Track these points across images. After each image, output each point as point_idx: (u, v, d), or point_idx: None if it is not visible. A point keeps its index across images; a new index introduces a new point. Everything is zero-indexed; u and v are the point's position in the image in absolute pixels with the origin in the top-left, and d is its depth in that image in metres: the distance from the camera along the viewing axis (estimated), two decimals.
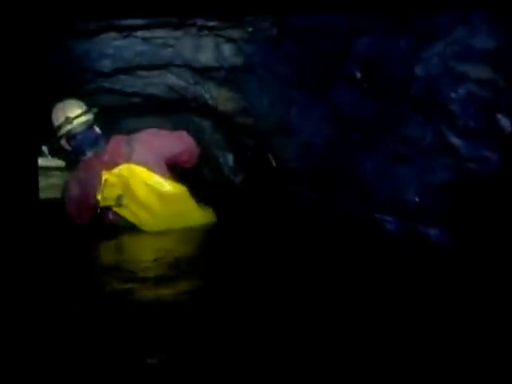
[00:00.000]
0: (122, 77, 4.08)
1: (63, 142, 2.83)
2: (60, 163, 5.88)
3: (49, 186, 4.84)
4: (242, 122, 3.82)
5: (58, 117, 2.72)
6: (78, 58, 3.53)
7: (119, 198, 2.50)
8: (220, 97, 3.86)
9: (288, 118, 3.18)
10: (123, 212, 2.59)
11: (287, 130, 3.20)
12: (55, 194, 4.52)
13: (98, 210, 2.67)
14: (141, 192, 2.55)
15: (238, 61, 3.37)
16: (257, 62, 3.22)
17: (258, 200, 3.59)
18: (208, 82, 3.86)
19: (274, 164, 3.42)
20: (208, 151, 4.41)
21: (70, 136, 2.71)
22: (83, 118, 2.66)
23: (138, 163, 2.57)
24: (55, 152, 5.83)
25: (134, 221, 2.60)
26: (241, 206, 3.50)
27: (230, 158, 4.54)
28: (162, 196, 2.55)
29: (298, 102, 3.07)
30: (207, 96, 3.94)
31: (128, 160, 2.57)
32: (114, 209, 2.63)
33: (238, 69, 3.42)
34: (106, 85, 4.32)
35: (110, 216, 2.73)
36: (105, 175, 2.50)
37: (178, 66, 3.80)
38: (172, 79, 4.08)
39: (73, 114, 2.64)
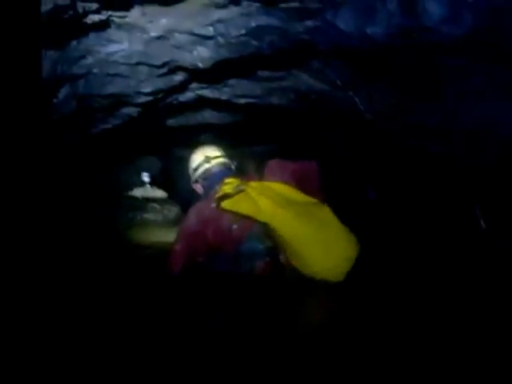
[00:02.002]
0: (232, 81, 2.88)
1: (198, 186, 2.43)
2: (161, 194, 5.40)
3: (144, 223, 4.38)
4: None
5: (195, 158, 2.43)
6: None
7: (238, 187, 2.04)
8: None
9: None
10: (242, 203, 2.03)
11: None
12: (148, 234, 3.88)
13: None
14: (268, 192, 2.04)
15: None
16: None
17: None
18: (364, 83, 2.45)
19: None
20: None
21: (206, 177, 2.36)
22: (222, 160, 2.38)
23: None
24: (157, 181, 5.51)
25: (255, 210, 1.99)
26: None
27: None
28: (295, 199, 2.02)
29: None
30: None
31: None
32: (232, 205, 2.05)
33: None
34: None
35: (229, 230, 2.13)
36: (227, 180, 2.12)
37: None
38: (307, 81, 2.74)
39: (212, 155, 2.38)
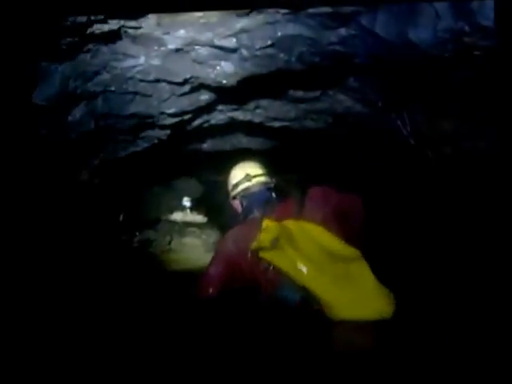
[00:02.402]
0: (264, 102, 2.69)
1: (236, 202, 2.36)
2: (200, 219, 5.34)
3: (181, 247, 4.33)
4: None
5: (236, 174, 2.35)
6: None
7: (275, 240, 1.97)
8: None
9: None
10: (278, 258, 1.98)
11: None
12: (186, 258, 3.81)
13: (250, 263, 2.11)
14: (306, 246, 1.99)
15: None
16: None
17: None
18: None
19: None
20: None
21: (246, 195, 2.30)
22: (263, 179, 2.29)
23: (308, 220, 2.06)
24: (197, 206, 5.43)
25: (290, 271, 1.94)
26: None
27: None
28: (332, 255, 1.98)
29: None
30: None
31: (297, 218, 2.08)
32: (269, 258, 2.00)
33: None
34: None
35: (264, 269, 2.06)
36: (265, 223, 2.04)
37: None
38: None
39: (253, 173, 2.30)
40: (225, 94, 2.30)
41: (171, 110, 2.42)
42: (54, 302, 1.93)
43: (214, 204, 5.59)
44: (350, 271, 1.94)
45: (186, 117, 2.58)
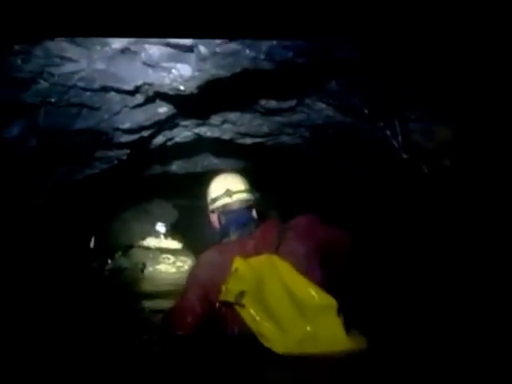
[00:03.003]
0: (232, 116, 2.43)
1: (214, 216, 2.28)
2: (175, 245, 5.09)
3: (155, 275, 4.07)
4: None
5: (216, 188, 2.26)
6: None
7: (240, 295, 1.85)
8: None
9: None
10: (243, 312, 1.87)
11: None
12: (158, 285, 3.59)
13: (217, 305, 1.99)
14: (274, 295, 1.91)
15: None
16: None
17: None
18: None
19: None
20: None
21: (225, 212, 2.22)
22: (244, 195, 2.19)
23: (286, 255, 1.92)
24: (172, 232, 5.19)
25: (254, 330, 1.83)
26: None
27: None
28: (301, 306, 1.86)
29: None
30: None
31: (275, 250, 1.95)
32: (235, 308, 1.91)
33: None
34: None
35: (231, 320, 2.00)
36: (236, 263, 1.96)
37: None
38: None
39: (234, 188, 2.20)
40: (185, 106, 2.02)
41: (126, 126, 2.12)
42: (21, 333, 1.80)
43: (189, 229, 5.50)
44: (318, 328, 1.83)
45: (146, 133, 2.30)
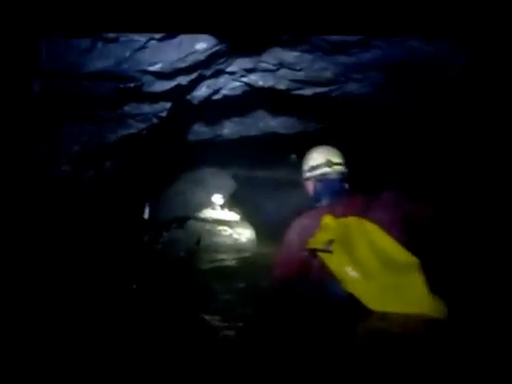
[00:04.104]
0: None
1: (309, 184, 2.33)
2: (233, 216, 4.76)
3: (210, 247, 3.86)
4: None
5: (317, 157, 2.32)
6: None
7: (329, 243, 1.92)
8: None
9: None
10: (330, 260, 1.92)
11: None
12: (215, 259, 3.41)
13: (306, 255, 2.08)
14: (361, 248, 1.93)
15: None
16: None
17: None
18: None
19: None
20: None
21: (322, 180, 2.27)
22: (342, 168, 2.23)
23: (372, 221, 1.94)
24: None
25: (339, 275, 1.91)
26: None
27: None
28: (386, 261, 1.87)
29: None
30: None
31: (362, 216, 1.97)
32: (322, 257, 1.95)
33: None
34: None
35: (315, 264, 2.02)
36: (326, 219, 2.02)
37: None
38: None
39: (334, 160, 2.24)
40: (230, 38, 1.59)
41: (156, 67, 1.72)
42: (71, 309, 1.75)
43: (248, 201, 5.24)
44: (401, 282, 1.87)
45: (183, 80, 1.90)
